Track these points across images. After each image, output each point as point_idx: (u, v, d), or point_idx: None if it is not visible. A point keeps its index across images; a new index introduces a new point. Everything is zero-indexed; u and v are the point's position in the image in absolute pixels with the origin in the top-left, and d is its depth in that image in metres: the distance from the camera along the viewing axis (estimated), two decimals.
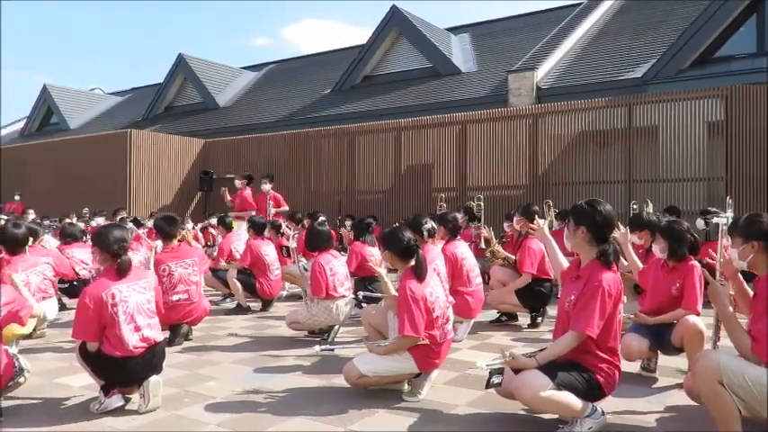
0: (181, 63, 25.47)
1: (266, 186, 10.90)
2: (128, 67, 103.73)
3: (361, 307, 5.89)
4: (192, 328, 5.81)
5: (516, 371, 3.27)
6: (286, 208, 10.99)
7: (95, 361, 3.70)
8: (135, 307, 3.74)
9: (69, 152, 18.88)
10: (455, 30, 22.80)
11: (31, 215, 13.71)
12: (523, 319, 6.47)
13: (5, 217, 10.11)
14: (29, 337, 5.39)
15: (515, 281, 6.20)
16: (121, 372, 3.66)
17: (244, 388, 4.21)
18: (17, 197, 16.16)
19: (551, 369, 3.17)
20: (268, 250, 7.55)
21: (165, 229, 5.77)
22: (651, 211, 8.47)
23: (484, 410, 3.72)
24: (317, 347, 4.85)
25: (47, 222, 12.93)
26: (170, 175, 18.20)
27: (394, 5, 20.39)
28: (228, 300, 7.85)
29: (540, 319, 6.31)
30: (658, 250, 4.45)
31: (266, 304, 7.49)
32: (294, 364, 4.89)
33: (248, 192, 11.37)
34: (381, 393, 3.99)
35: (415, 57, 20.22)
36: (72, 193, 17.47)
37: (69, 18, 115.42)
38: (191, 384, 4.30)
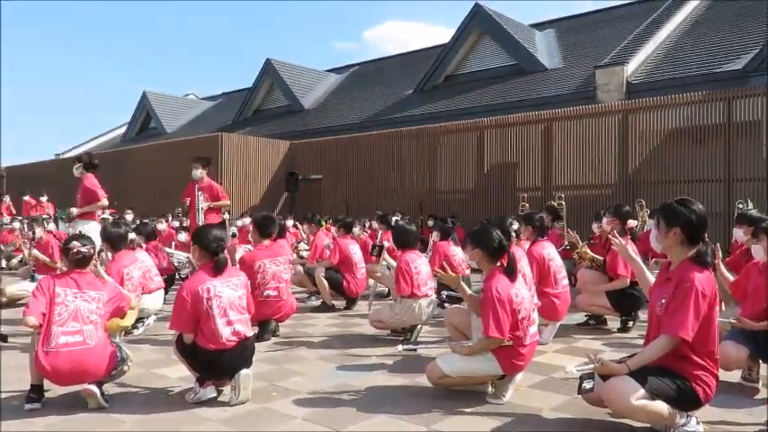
0: (268, 67, 26.32)
1: (197, 173, 8.13)
2: (219, 71, 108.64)
3: (444, 307, 5.87)
4: (279, 324, 6.00)
5: (605, 377, 3.16)
6: (226, 202, 8.38)
7: (191, 353, 3.91)
8: (228, 302, 3.92)
9: (166, 155, 19.93)
10: (540, 26, 22.31)
11: (129, 215, 14.55)
12: (612, 322, 6.24)
13: (108, 216, 10.81)
14: (131, 331, 5.73)
15: (609, 283, 5.99)
16: (214, 364, 3.84)
17: (328, 384, 4.30)
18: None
19: (642, 375, 3.05)
20: (355, 249, 7.69)
21: (268, 226, 6.03)
22: (752, 209, 8.00)
23: (570, 415, 3.63)
24: (400, 347, 4.89)
25: (146, 221, 13.70)
26: (258, 176, 18.86)
27: (477, 3, 20.19)
28: (314, 297, 8.04)
29: (631, 324, 6.06)
30: (761, 250, 4.18)
31: (350, 302, 7.62)
32: (377, 362, 4.94)
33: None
34: (464, 394, 3.97)
35: (499, 54, 19.94)
36: (168, 193, 18.40)
37: (165, 24, 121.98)
38: (278, 379, 4.44)
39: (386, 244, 7.75)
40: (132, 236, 6.44)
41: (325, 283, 7.45)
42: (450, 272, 4.37)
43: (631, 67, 15.35)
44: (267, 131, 22.99)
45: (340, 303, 7.63)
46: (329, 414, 3.69)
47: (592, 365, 3.23)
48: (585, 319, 6.38)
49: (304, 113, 24.81)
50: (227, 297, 3.93)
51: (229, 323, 3.89)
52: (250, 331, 4.06)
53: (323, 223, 10.04)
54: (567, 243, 8.48)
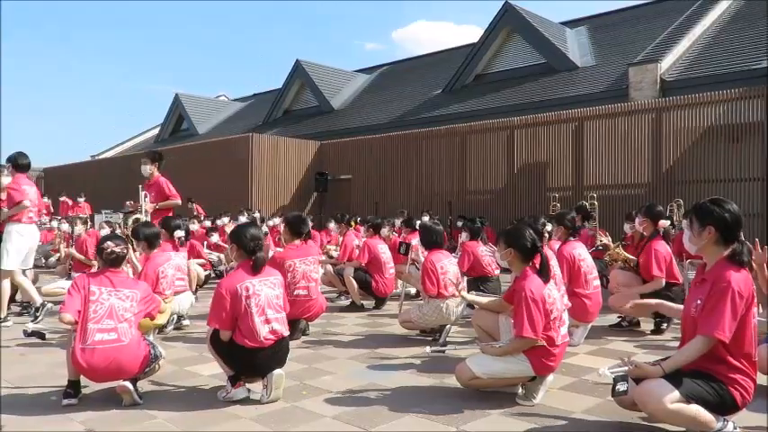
0: (298, 68, 26.52)
1: (146, 169, 7.61)
2: (250, 72, 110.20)
3: (473, 307, 5.84)
4: (309, 323, 6.04)
5: (638, 379, 3.11)
6: (176, 202, 7.62)
7: (227, 351, 3.94)
8: (266, 301, 3.95)
9: (197, 155, 20.21)
10: (571, 23, 22.05)
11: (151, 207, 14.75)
12: (646, 324, 6.14)
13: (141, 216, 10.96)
14: (162, 329, 5.83)
15: (643, 285, 5.88)
16: (251, 362, 3.88)
17: (358, 383, 4.31)
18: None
19: (677, 378, 2.99)
20: (383, 249, 7.70)
21: (299, 226, 6.09)
22: None
23: (602, 418, 3.58)
24: (429, 348, 4.87)
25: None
26: (288, 177, 19.01)
27: (507, 2, 20.03)
28: (343, 297, 8.08)
29: (664, 326, 5.96)
30: None
31: (379, 302, 7.63)
32: (406, 362, 4.94)
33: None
34: (495, 395, 3.95)
35: (529, 53, 19.76)
36: (199, 193, 18.70)
37: (195, 28, 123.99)
38: (308, 378, 4.47)
39: (413, 242, 7.74)
40: (181, 233, 6.56)
41: (354, 283, 7.47)
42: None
43: (665, 64, 15.07)
44: (297, 132, 23.16)
45: (369, 303, 7.65)
46: (359, 413, 3.70)
47: (625, 368, 3.18)
48: (618, 320, 6.29)
49: (333, 114, 24.92)
50: (265, 295, 3.96)
51: (267, 321, 3.92)
52: (287, 330, 4.08)
53: (353, 223, 10.06)
54: (599, 243, 8.36)
